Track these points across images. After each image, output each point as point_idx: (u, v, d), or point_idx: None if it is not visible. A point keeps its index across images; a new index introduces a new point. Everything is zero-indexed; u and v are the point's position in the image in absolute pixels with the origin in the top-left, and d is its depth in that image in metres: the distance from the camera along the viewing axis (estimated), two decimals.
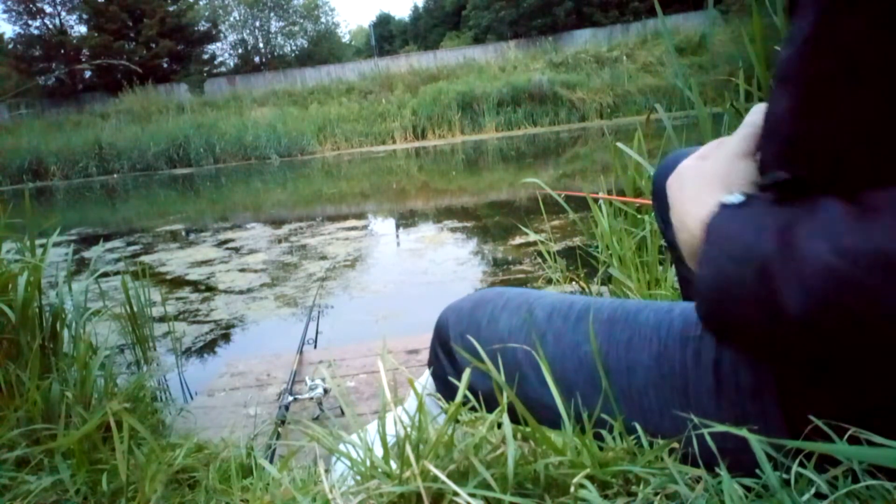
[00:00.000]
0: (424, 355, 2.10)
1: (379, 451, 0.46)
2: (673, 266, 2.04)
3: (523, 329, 0.62)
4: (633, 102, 16.21)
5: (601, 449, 0.46)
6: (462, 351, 0.63)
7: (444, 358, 0.71)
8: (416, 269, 3.99)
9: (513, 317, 0.65)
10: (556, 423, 0.50)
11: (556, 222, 4.43)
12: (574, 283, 2.74)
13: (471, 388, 0.53)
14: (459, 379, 0.53)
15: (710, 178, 0.46)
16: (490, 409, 0.49)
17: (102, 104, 20.71)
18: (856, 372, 0.39)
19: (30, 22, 25.97)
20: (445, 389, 0.71)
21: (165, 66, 25.79)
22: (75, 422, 1.26)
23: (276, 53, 31.35)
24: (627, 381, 0.51)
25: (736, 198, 0.43)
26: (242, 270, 4.34)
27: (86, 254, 5.03)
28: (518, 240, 4.33)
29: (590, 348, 0.56)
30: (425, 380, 0.77)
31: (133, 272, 2.98)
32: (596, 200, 2.55)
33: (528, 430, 0.43)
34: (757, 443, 0.39)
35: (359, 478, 0.46)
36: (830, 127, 0.38)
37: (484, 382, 0.58)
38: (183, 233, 6.29)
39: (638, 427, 0.48)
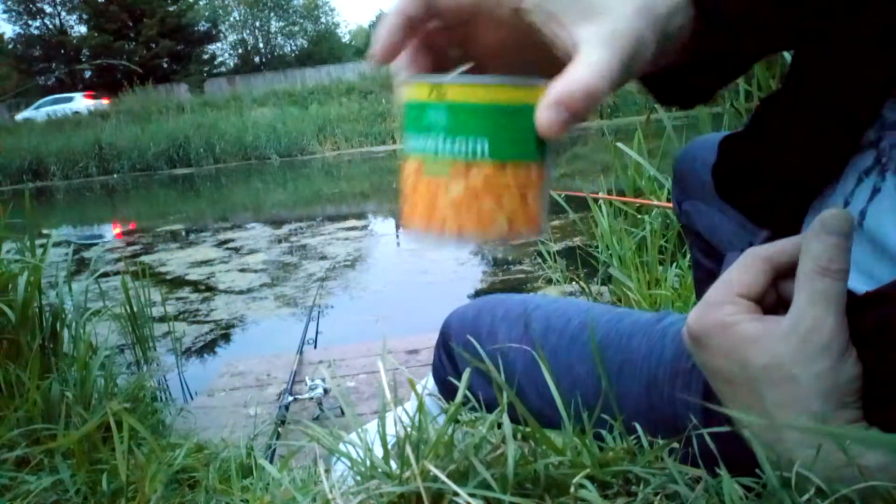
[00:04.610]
0: (424, 355, 2.10)
1: (379, 452, 0.46)
2: (673, 266, 2.04)
3: (521, 343, 0.63)
4: (634, 102, 16.14)
5: (601, 449, 0.46)
6: (463, 352, 0.63)
7: (447, 362, 0.72)
8: (416, 269, 3.99)
9: (511, 329, 0.65)
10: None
11: (556, 222, 4.42)
12: (574, 283, 2.74)
13: (472, 394, 0.53)
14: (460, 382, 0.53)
15: None
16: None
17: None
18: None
19: (30, 22, 26.00)
20: (447, 392, 0.71)
21: (165, 66, 25.81)
22: (75, 422, 1.26)
23: (276, 53, 31.35)
24: (618, 409, 0.51)
25: None
26: (242, 270, 4.34)
27: (86, 254, 5.03)
28: (518, 240, 4.33)
29: (583, 370, 0.57)
30: (428, 382, 0.77)
31: (133, 272, 2.98)
32: (596, 200, 2.55)
33: (528, 430, 0.43)
34: (757, 444, 0.39)
35: (359, 478, 0.46)
36: None
37: (486, 390, 0.58)
38: (183, 233, 6.29)
39: (638, 427, 0.48)
